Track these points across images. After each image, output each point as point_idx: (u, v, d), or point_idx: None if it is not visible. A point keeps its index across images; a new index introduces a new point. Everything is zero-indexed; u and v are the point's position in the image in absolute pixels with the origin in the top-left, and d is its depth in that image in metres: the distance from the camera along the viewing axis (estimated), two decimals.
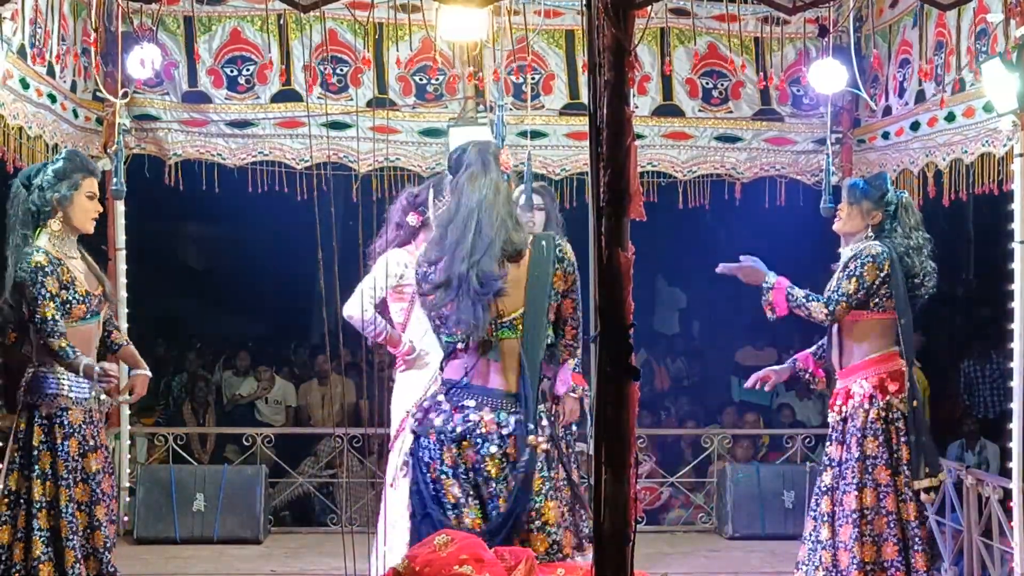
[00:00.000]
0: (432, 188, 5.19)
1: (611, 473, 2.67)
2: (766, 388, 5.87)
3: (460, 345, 4.07)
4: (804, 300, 5.47)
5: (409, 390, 5.30)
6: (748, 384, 5.88)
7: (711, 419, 9.87)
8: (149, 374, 5.33)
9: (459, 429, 4.02)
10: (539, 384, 4.08)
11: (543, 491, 4.05)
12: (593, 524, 2.72)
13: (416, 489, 4.11)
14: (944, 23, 6.40)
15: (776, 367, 5.87)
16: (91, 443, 5.03)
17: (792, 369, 5.84)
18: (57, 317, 4.90)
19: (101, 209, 5.19)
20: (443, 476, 4.03)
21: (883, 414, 5.44)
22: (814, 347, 5.84)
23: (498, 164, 4.13)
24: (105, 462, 5.10)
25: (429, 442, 4.05)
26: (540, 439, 4.03)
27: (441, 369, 4.20)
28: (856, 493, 5.40)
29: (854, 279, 5.43)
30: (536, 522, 4.04)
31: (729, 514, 7.89)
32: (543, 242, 4.09)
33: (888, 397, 5.45)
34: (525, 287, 4.03)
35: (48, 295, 4.89)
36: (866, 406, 5.45)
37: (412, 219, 5.22)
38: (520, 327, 4.03)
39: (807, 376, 5.83)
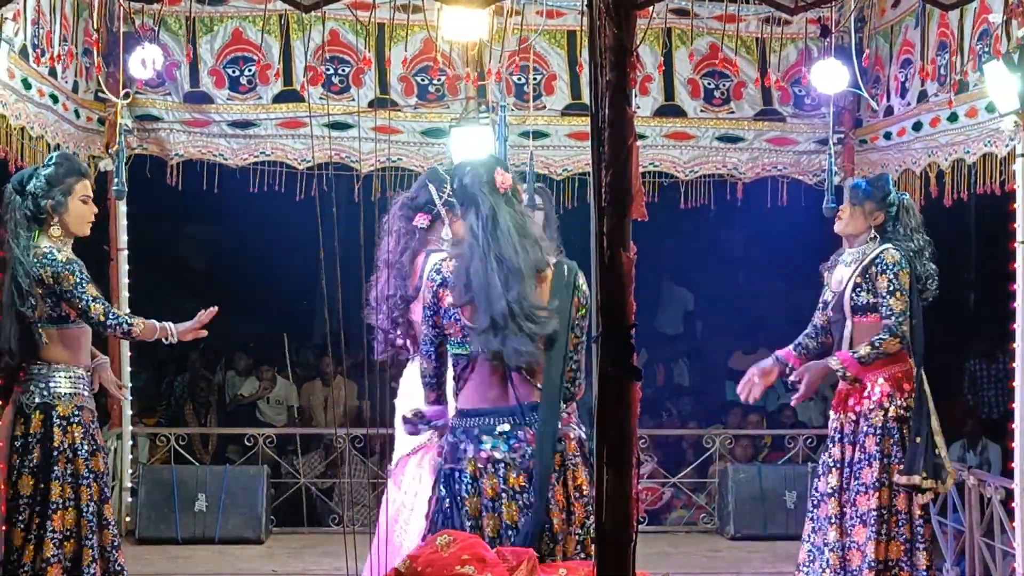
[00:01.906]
0: (430, 183, 5.12)
1: (613, 473, 2.66)
2: (752, 399, 5.80)
3: (477, 354, 3.95)
4: (875, 349, 5.44)
5: (415, 391, 5.28)
6: (740, 394, 5.83)
7: (713, 419, 9.87)
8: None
9: (502, 456, 3.91)
10: (560, 402, 3.94)
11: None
12: (595, 524, 2.72)
13: (448, 523, 3.96)
14: (946, 23, 6.39)
15: (763, 365, 5.77)
16: (96, 443, 5.04)
17: (781, 368, 5.78)
18: (100, 296, 4.97)
19: (96, 211, 5.18)
20: (484, 511, 3.92)
21: (900, 413, 5.46)
22: (793, 345, 5.83)
23: (494, 188, 4.02)
24: (105, 464, 5.11)
25: (466, 476, 3.93)
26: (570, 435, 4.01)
27: (454, 396, 4.07)
28: (875, 493, 5.40)
29: (899, 293, 5.43)
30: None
31: (731, 514, 7.89)
32: (564, 267, 4.00)
33: (904, 396, 5.46)
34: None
35: (88, 279, 4.94)
36: (885, 404, 5.46)
37: (421, 221, 5.12)
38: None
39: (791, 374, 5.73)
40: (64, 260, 4.93)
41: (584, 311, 3.97)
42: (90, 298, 4.92)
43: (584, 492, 3.97)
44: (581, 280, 4.00)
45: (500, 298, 3.86)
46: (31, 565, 4.86)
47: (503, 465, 3.91)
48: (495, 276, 3.89)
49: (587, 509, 3.97)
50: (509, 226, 3.97)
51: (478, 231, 3.96)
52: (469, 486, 3.94)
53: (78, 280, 4.91)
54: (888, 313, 5.43)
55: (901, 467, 5.43)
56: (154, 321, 5.12)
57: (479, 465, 3.93)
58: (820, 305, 5.88)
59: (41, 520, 4.88)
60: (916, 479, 5.39)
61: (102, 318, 4.94)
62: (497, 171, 4.07)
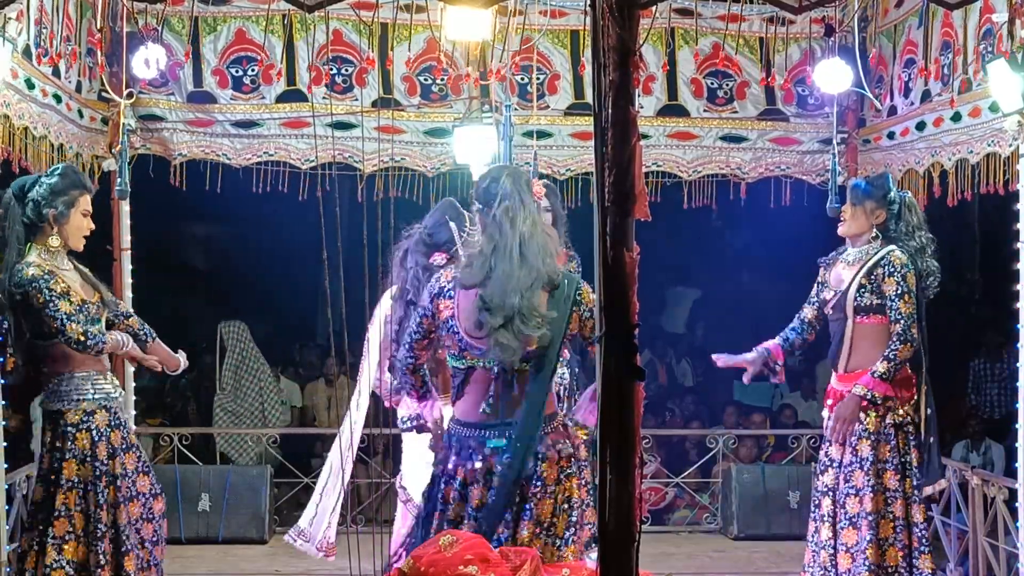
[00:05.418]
0: (451, 222, 5.01)
1: (616, 473, 2.66)
2: (744, 380, 5.86)
3: (481, 367, 4.04)
4: (892, 361, 5.37)
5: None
6: (720, 363, 5.85)
7: (716, 420, 9.86)
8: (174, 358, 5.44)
9: (488, 467, 4.00)
10: (542, 415, 4.05)
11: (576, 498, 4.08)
12: (598, 524, 2.72)
13: (426, 521, 4.10)
14: (950, 23, 6.39)
15: (748, 357, 5.80)
16: (123, 444, 5.02)
17: (764, 360, 5.79)
18: (75, 312, 4.88)
19: (93, 227, 5.18)
20: (467, 519, 4.00)
21: (896, 419, 5.43)
22: (779, 339, 5.84)
23: (531, 194, 4.15)
24: (139, 461, 5.10)
25: (455, 483, 4.03)
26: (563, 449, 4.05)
27: (451, 402, 4.17)
28: (870, 497, 5.36)
29: (907, 296, 5.40)
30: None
31: (734, 514, 7.89)
32: (566, 281, 4.08)
33: (902, 403, 5.44)
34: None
35: (58, 294, 4.85)
36: (870, 412, 5.42)
37: (439, 259, 5.03)
38: (535, 359, 4.03)
39: (774, 367, 5.79)
40: (28, 277, 4.84)
41: (592, 324, 3.99)
42: (64, 316, 4.83)
43: (571, 504, 4.04)
44: (583, 294, 4.04)
45: (516, 292, 3.94)
46: (33, 571, 4.87)
47: (495, 478, 3.99)
48: (516, 270, 3.97)
49: (569, 519, 4.04)
50: (539, 232, 4.08)
51: (514, 227, 4.03)
52: (458, 492, 4.02)
53: (47, 298, 4.83)
54: (897, 317, 5.39)
55: (899, 475, 5.40)
56: (116, 335, 5.05)
57: (471, 476, 4.01)
58: (813, 300, 5.84)
59: (44, 527, 4.89)
60: (943, 484, 5.39)
61: (81, 337, 4.84)
62: (534, 181, 4.21)
